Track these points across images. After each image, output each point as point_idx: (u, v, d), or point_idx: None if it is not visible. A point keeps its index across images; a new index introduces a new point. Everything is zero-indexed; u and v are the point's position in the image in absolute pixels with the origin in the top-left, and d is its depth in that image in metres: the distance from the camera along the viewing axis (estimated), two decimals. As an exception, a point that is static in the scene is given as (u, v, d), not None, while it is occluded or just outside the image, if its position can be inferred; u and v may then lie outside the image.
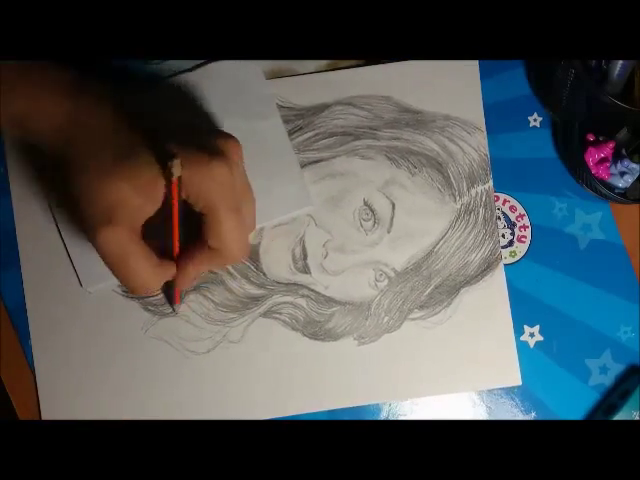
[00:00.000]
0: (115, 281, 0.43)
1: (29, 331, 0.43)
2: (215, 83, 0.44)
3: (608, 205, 0.46)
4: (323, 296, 0.44)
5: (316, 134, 0.45)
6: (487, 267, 0.45)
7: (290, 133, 0.45)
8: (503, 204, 0.46)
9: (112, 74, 0.44)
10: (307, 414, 0.43)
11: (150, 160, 0.35)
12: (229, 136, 0.38)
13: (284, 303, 0.44)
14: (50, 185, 0.43)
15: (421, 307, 0.44)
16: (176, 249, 0.39)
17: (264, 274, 0.44)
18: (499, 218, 0.46)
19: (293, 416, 0.43)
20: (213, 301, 0.44)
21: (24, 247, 0.44)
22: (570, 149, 0.45)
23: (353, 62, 0.46)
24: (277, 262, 0.44)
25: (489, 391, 0.44)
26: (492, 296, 0.45)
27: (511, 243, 0.46)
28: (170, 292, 0.43)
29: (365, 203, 0.45)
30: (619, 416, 0.42)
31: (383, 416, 0.44)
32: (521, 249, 0.45)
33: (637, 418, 0.42)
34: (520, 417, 0.44)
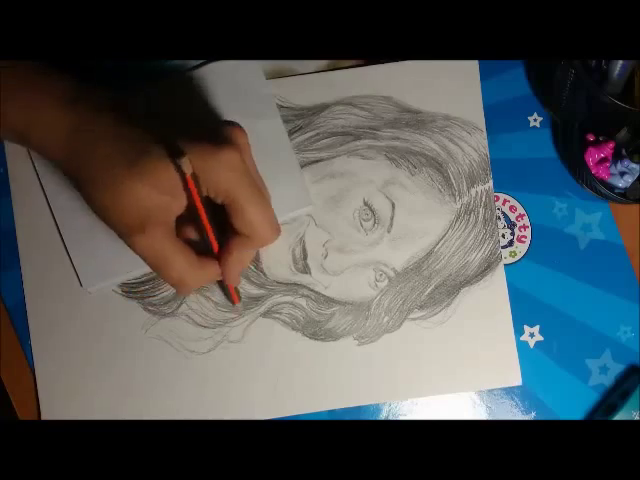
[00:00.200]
0: (115, 281, 0.43)
1: (29, 331, 0.43)
2: (215, 83, 0.44)
3: (608, 205, 0.46)
4: (323, 296, 0.44)
5: (316, 134, 0.45)
6: (487, 267, 0.45)
7: (290, 133, 0.45)
8: (503, 204, 0.46)
9: (112, 76, 0.44)
10: (307, 414, 0.43)
11: (162, 155, 0.34)
12: (233, 123, 0.38)
13: (284, 303, 0.44)
14: (51, 185, 0.43)
15: (421, 307, 0.44)
16: (215, 246, 0.39)
17: (264, 274, 0.44)
18: (499, 218, 0.46)
19: (293, 416, 0.43)
20: (213, 301, 0.44)
21: (24, 247, 0.44)
22: (570, 149, 0.45)
23: (353, 62, 0.46)
24: (277, 262, 0.44)
25: (489, 391, 0.44)
26: (492, 296, 0.45)
27: (511, 243, 0.46)
28: (226, 293, 0.43)
29: (365, 203, 0.45)
30: (619, 416, 0.42)
31: (383, 416, 0.44)
32: (521, 249, 0.45)
33: (637, 418, 0.42)
34: (520, 417, 0.44)
